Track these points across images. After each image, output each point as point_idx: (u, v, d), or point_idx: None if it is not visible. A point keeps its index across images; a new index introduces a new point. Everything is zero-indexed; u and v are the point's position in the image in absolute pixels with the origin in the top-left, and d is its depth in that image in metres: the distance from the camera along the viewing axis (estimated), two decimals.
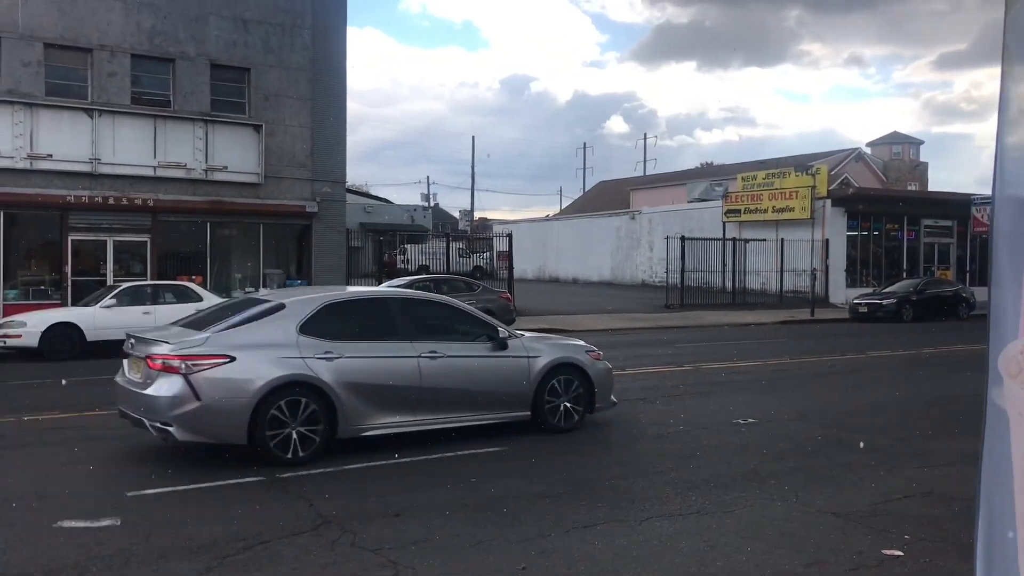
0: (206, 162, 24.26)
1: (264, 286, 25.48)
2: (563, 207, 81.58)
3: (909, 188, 52.57)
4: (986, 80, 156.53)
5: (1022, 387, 2.73)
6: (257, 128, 24.92)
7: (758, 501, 7.21)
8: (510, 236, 30.58)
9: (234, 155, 24.70)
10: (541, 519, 6.69)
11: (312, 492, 7.42)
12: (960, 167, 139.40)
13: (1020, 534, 2.76)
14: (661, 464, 8.46)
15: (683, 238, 33.68)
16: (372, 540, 6.16)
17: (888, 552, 5.98)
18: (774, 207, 37.48)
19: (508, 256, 29.95)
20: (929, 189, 53.84)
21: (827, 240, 35.55)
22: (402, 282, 22.79)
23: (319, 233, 25.97)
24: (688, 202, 47.00)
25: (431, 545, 6.07)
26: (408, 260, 37.45)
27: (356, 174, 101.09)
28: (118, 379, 8.94)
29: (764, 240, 36.19)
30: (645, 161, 78.83)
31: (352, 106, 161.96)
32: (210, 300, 19.18)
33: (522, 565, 5.69)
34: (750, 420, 10.62)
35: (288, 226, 26.16)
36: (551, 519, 6.69)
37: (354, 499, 7.22)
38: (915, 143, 61.85)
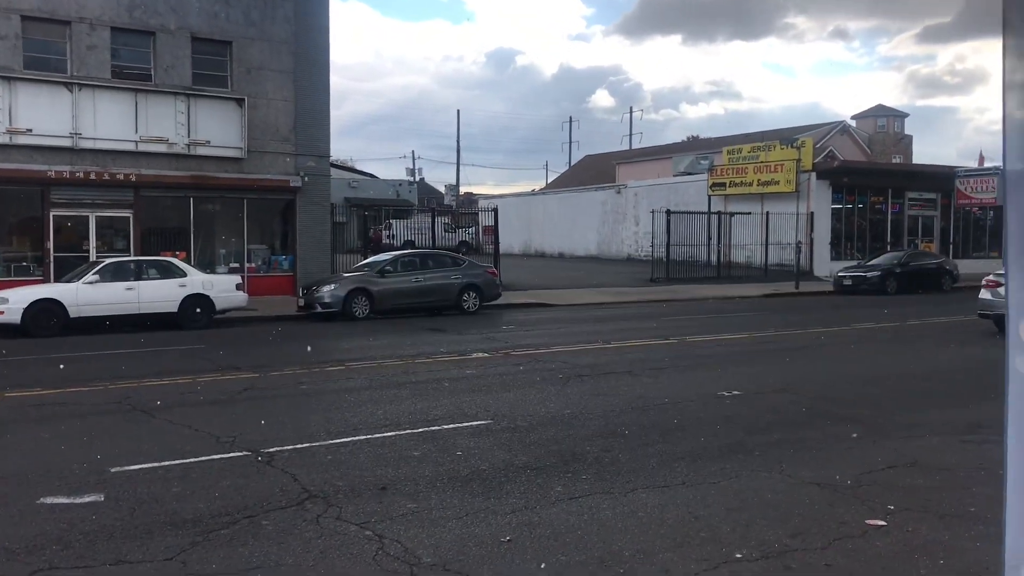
0: (188, 136, 24.02)
1: (249, 261, 25.37)
2: (549, 181, 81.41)
3: (894, 161, 52.63)
4: (970, 53, 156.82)
5: None
6: (240, 102, 24.67)
7: (743, 472, 7.24)
8: (495, 211, 30.48)
9: (217, 129, 24.46)
10: (526, 491, 6.70)
11: (297, 467, 7.40)
12: (944, 140, 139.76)
13: None
14: (647, 436, 8.48)
15: (668, 212, 33.68)
16: (357, 514, 6.15)
17: (871, 522, 6.02)
18: (759, 180, 37.48)
19: (494, 231, 29.88)
20: (913, 162, 53.93)
21: (812, 213, 35.62)
22: (386, 258, 22.71)
23: (303, 208, 25.81)
24: (674, 176, 46.94)
25: (417, 518, 6.07)
26: (394, 235, 37.30)
27: (341, 149, 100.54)
28: None
29: (749, 213, 36.23)
30: (631, 135, 78.68)
31: (336, 80, 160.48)
32: (194, 276, 19.08)
33: (507, 536, 5.70)
34: (735, 392, 10.66)
35: (272, 201, 25.98)
36: (536, 491, 6.70)
37: (339, 474, 7.20)
38: (900, 116, 61.87)
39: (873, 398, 10.47)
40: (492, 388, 11.08)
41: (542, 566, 5.23)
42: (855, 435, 8.51)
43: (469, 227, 43.85)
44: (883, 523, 6.00)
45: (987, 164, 39.62)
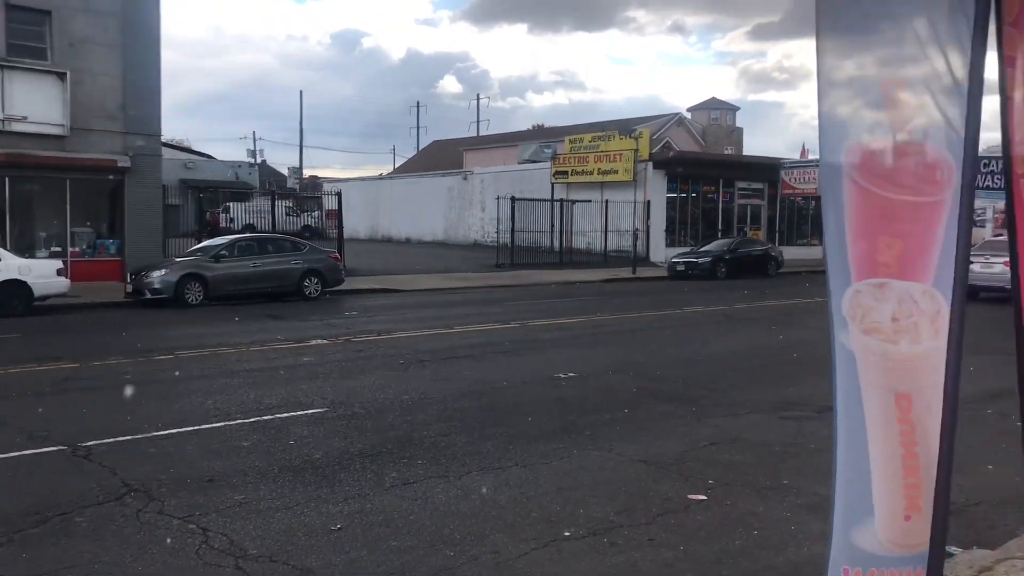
0: (3, 112, 22.30)
1: (72, 245, 23.89)
2: (397, 166, 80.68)
3: (726, 152, 55.14)
4: (796, 51, 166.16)
5: (856, 330, 3.13)
6: (61, 76, 23.08)
7: (575, 452, 7.42)
8: (339, 195, 29.92)
9: (35, 104, 22.79)
10: (360, 478, 6.62)
11: (118, 461, 7.03)
12: (772, 133, 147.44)
13: (873, 460, 3.15)
14: (483, 419, 8.55)
15: (513, 199, 34.05)
16: (181, 507, 5.91)
17: (693, 497, 6.29)
18: (599, 169, 38.44)
19: (338, 215, 29.33)
20: (744, 154, 56.64)
21: (648, 202, 36.84)
22: (222, 242, 21.89)
23: (133, 190, 24.46)
24: (519, 163, 47.49)
25: (245, 510, 5.89)
26: (232, 219, 35.99)
27: (177, 129, 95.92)
28: None
29: (590, 201, 37.13)
30: (479, 122, 79.07)
31: (172, 56, 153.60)
32: (9, 260, 17.79)
33: (338, 525, 5.62)
34: (571, 374, 10.90)
35: (98, 182, 24.47)
36: (370, 478, 6.63)
37: (164, 467, 6.90)
38: (732, 109, 64.82)
39: (701, 378, 10.94)
40: (330, 375, 10.88)
41: (371, 553, 5.19)
42: (682, 414, 8.88)
43: (313, 211, 42.90)
44: (704, 497, 6.29)
45: (810, 156, 42.07)
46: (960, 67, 3.18)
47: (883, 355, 3.17)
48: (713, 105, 63.95)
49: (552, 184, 40.12)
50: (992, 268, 23.64)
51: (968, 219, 3.24)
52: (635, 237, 32.83)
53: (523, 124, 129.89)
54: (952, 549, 5.28)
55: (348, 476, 6.68)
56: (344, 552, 5.21)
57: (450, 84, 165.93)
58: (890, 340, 3.18)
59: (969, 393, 9.78)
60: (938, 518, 3.14)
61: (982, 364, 9.61)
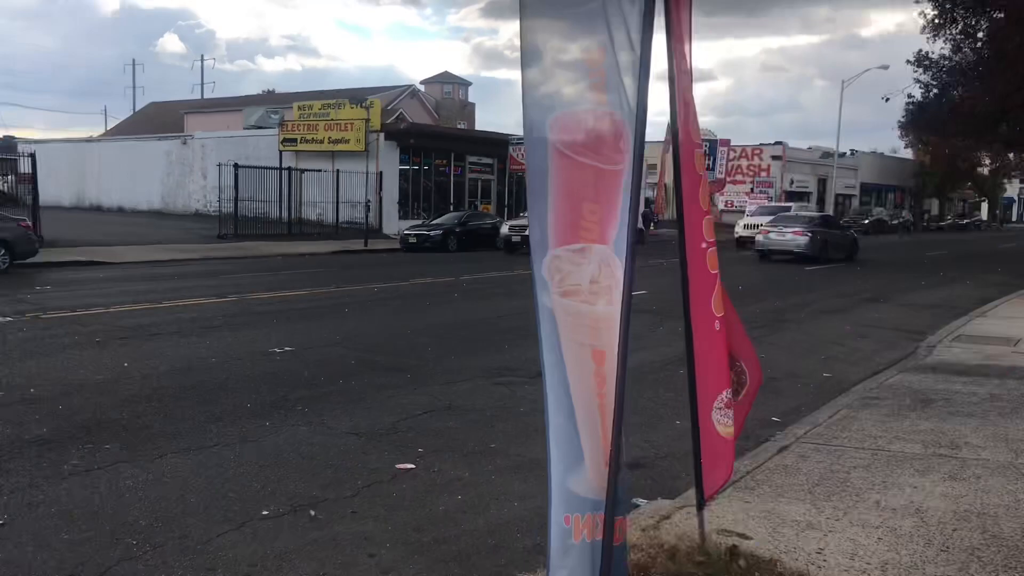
0: None
1: None
2: (109, 128, 74.47)
3: (458, 127, 55.99)
4: None
5: (555, 292, 3.35)
6: None
7: (283, 428, 7.13)
8: (33, 155, 27.08)
9: None
10: (34, 467, 5.95)
11: None
12: (504, 110, 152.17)
13: (577, 411, 3.37)
14: (186, 398, 8.01)
15: (236, 165, 32.54)
16: None
17: (401, 466, 6.24)
18: (330, 138, 37.66)
19: (32, 179, 26.49)
20: (476, 128, 57.81)
21: (381, 173, 36.63)
22: None
23: None
24: (245, 128, 45.44)
25: None
26: None
27: None
28: None
29: (320, 171, 36.30)
30: (203, 84, 75.07)
31: None
32: None
33: (0, 521, 5.00)
34: (287, 348, 10.52)
35: None
36: (47, 466, 5.98)
37: None
38: (464, 84, 65.86)
39: (422, 348, 10.96)
40: (10, 357, 9.72)
41: (38, 549, 4.65)
42: (399, 384, 8.82)
43: (6, 174, 38.55)
44: (412, 466, 6.26)
45: None
46: (637, 45, 3.37)
47: (580, 314, 3.36)
48: (447, 79, 64.67)
49: (280, 152, 38.79)
50: (784, 236, 28.01)
51: (638, 187, 3.39)
52: (367, 209, 32.57)
53: (253, 89, 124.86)
54: (638, 500, 5.61)
55: (18, 466, 5.97)
56: (5, 550, 4.63)
57: (171, 43, 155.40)
58: (588, 301, 3.40)
59: (669, 353, 10.56)
60: (611, 464, 3.28)
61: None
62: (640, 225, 39.58)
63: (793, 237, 27.66)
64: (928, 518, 5.09)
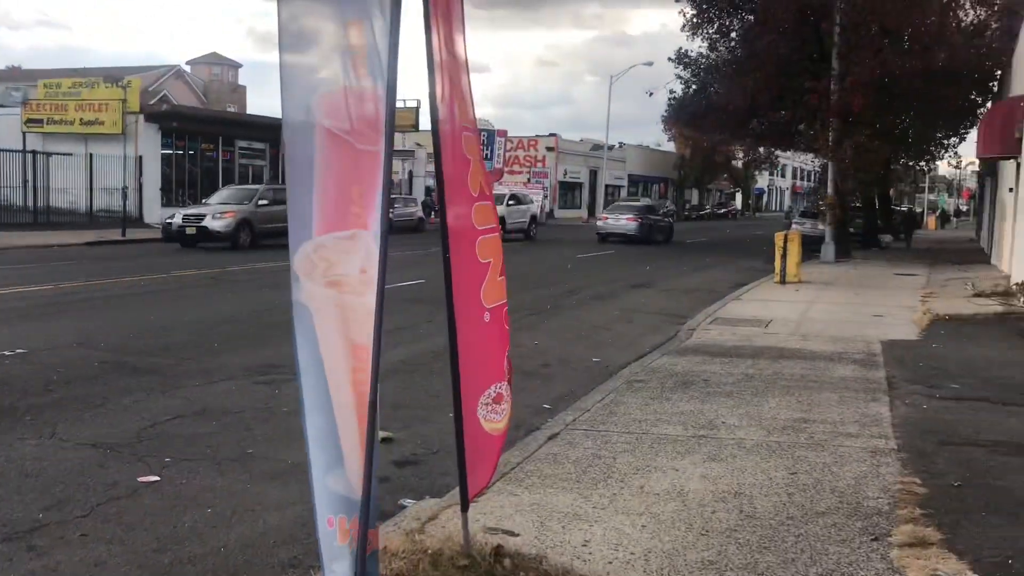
0: None
1: None
2: None
3: (228, 110, 53.47)
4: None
5: (316, 284, 3.15)
6: None
7: (5, 442, 6.27)
8: None
9: None
10: None
11: None
12: (279, 93, 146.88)
13: (336, 410, 3.16)
14: None
15: None
16: None
17: (144, 479, 5.64)
18: (82, 119, 34.75)
19: None
20: (248, 112, 55.44)
21: (140, 157, 34.23)
22: None
23: None
24: None
25: None
26: None
27: None
28: None
29: (71, 155, 33.38)
30: None
31: None
32: None
33: None
34: (19, 351, 9.37)
35: None
36: None
37: None
38: (234, 66, 63.13)
39: (177, 346, 10.14)
40: None
41: None
42: (148, 387, 8.06)
43: None
44: (157, 478, 5.67)
45: None
46: (388, 22, 3.17)
47: (346, 307, 3.13)
48: (214, 60, 61.76)
49: (24, 133, 35.36)
50: (619, 221, 32.84)
51: (388, 169, 3.19)
52: (124, 196, 30.25)
53: None
54: (405, 501, 5.36)
55: None
56: None
57: None
58: (356, 292, 3.14)
59: (442, 344, 10.32)
60: (366, 462, 3.09)
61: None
62: (420, 214, 39.56)
63: (627, 223, 32.35)
64: (689, 501, 5.17)
